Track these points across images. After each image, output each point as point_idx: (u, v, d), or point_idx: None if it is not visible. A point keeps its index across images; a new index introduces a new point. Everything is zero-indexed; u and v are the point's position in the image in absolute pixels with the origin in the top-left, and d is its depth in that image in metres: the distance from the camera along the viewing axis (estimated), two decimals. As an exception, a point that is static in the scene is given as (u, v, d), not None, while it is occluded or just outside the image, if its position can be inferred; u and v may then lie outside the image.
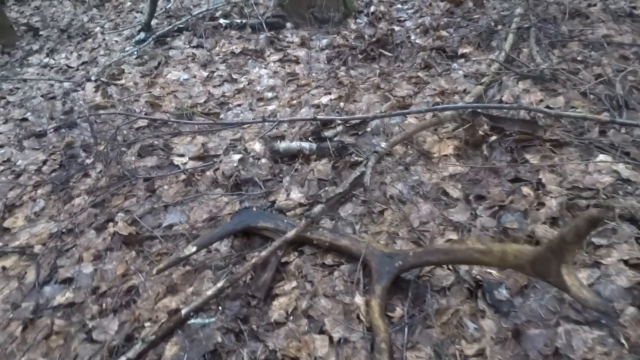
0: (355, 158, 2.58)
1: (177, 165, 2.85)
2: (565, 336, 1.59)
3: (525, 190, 2.16)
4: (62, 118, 3.71)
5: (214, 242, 2.19)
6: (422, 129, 2.56)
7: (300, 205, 2.37)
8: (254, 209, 2.30)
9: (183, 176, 2.74)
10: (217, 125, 3.13)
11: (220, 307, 1.94)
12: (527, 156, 2.37)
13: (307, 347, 1.71)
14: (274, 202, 2.43)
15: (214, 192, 2.58)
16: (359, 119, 2.84)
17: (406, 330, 1.72)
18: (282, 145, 2.72)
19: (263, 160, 2.76)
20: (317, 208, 2.14)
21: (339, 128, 2.84)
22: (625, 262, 1.73)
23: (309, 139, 2.76)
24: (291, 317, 1.83)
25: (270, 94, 3.50)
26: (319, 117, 2.83)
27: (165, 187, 2.69)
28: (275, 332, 1.80)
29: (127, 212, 2.55)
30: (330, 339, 1.73)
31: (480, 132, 2.51)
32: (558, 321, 1.65)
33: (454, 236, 2.05)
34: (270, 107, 3.34)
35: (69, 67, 4.85)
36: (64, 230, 2.51)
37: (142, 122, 3.33)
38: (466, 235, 2.06)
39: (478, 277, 1.84)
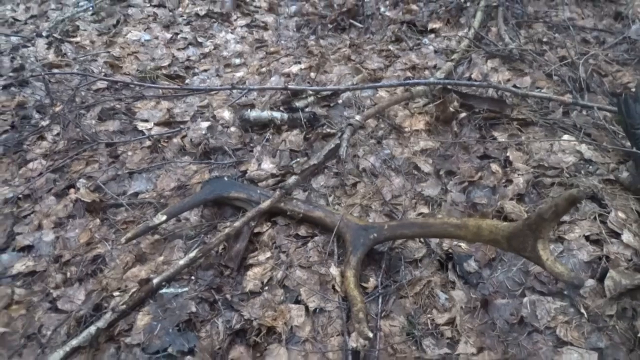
0: (328, 130, 2.57)
1: (142, 131, 2.74)
2: (530, 306, 1.68)
3: (494, 167, 2.23)
4: (12, 75, 3.46)
5: (184, 211, 2.15)
6: (395, 102, 2.57)
7: (273, 175, 2.34)
8: (225, 178, 2.26)
9: (148, 142, 2.64)
10: (183, 91, 3.01)
11: (192, 277, 1.91)
12: (495, 134, 2.44)
13: (283, 316, 1.72)
14: (245, 172, 2.40)
15: (182, 160, 2.51)
16: (330, 91, 2.82)
17: (380, 300, 1.76)
18: (253, 114, 2.67)
19: (232, 129, 2.70)
20: (291, 179, 2.12)
21: (310, 99, 2.81)
22: (587, 237, 1.84)
23: (280, 108, 2.72)
24: (266, 287, 1.83)
25: (238, 60, 3.40)
26: (289, 86, 2.78)
27: (130, 153, 2.58)
28: (250, 301, 1.80)
29: (89, 178, 2.44)
30: (306, 308, 1.75)
31: (451, 109, 2.54)
32: (524, 292, 1.74)
33: (425, 210, 2.10)
34: (238, 74, 3.25)
35: (15, 20, 4.50)
36: (20, 195, 2.38)
37: (101, 84, 3.17)
38: (437, 209, 2.11)
39: (449, 250, 1.90)
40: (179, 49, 3.60)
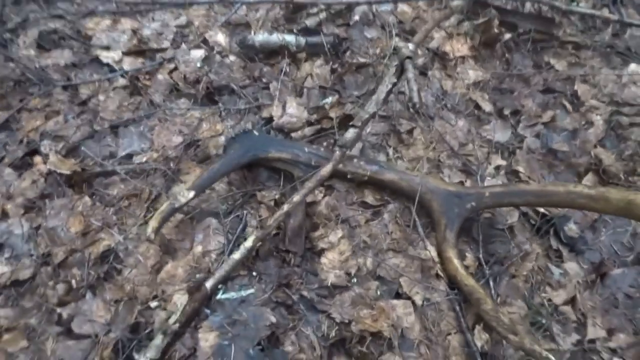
0: (359, 58, 2.09)
1: (107, 64, 2.05)
2: (651, 275, 1.52)
3: (566, 104, 1.95)
4: None
5: (215, 182, 1.65)
6: (438, 22, 2.12)
7: (309, 123, 1.88)
8: (255, 132, 1.75)
9: (122, 81, 1.99)
10: (147, 5, 2.28)
11: (253, 273, 1.50)
12: (551, 60, 2.14)
13: (387, 316, 1.40)
14: (269, 119, 1.89)
15: (179, 106, 1.92)
16: (344, 4, 2.28)
17: (491, 283, 1.50)
18: (259, 38, 2.09)
19: (232, 58, 2.11)
20: (349, 133, 1.67)
21: (322, 15, 2.26)
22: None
23: (294, 31, 2.15)
24: (355, 280, 1.48)
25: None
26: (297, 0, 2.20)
27: (101, 97, 1.93)
28: (336, 298, 1.45)
29: (55, 138, 1.79)
30: (413, 303, 1.44)
31: (495, 30, 2.17)
32: (637, 258, 1.57)
33: (501, 162, 1.81)
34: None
35: None
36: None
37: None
38: (511, 159, 1.83)
39: (545, 212, 1.66)
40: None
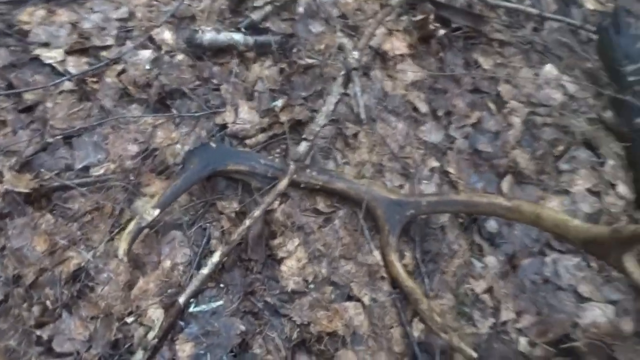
0: (307, 60, 2.17)
1: (49, 65, 2.00)
2: (552, 265, 1.86)
3: (490, 105, 2.18)
4: None
5: (178, 197, 1.75)
6: (380, 22, 2.23)
7: (262, 130, 1.99)
8: (212, 144, 1.84)
9: (69, 84, 1.96)
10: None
11: (220, 285, 1.66)
12: (479, 59, 2.34)
13: (340, 316, 1.64)
14: (224, 126, 1.98)
15: (133, 114, 1.95)
16: (288, -5, 2.32)
17: (426, 280, 1.77)
18: (207, 36, 2.09)
19: (179, 57, 2.12)
20: (302, 146, 1.82)
21: (268, 8, 2.29)
22: (588, 189, 2.00)
23: (242, 29, 2.17)
24: (312, 286, 1.69)
25: None
26: (240, -9, 2.21)
27: (49, 104, 1.91)
28: (296, 302, 1.66)
29: (7, 154, 1.78)
30: (362, 304, 1.68)
31: (431, 26, 2.32)
32: (542, 249, 1.90)
33: (435, 163, 2.03)
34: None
35: None
36: None
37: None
38: (445, 160, 2.06)
39: (471, 211, 1.93)
40: None
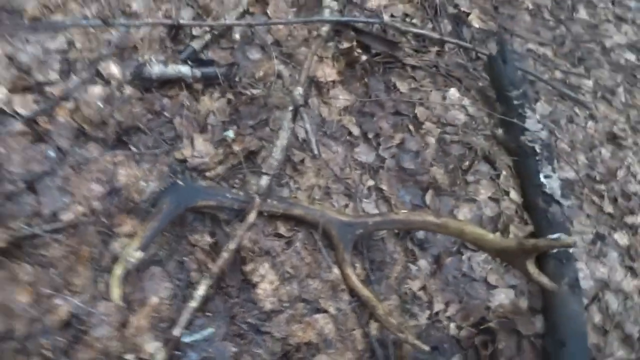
0: (251, 90, 2.35)
1: (-6, 106, 1.93)
2: (467, 261, 2.32)
3: (410, 126, 2.56)
4: None
5: (156, 236, 1.87)
6: (314, 54, 2.46)
7: (219, 162, 2.15)
8: (180, 182, 1.97)
9: (19, 125, 1.93)
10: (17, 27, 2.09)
11: (207, 313, 1.85)
12: (397, 83, 2.69)
13: (312, 327, 1.94)
14: (184, 161, 2.10)
15: (90, 152, 1.98)
16: (224, 25, 2.44)
17: (376, 286, 2.13)
18: (156, 70, 2.16)
19: (128, 91, 2.16)
20: (264, 180, 2.03)
21: (207, 37, 2.40)
22: (489, 197, 2.49)
23: (188, 62, 2.26)
24: (286, 304, 1.95)
25: (60, -48, 2.41)
26: (182, 22, 2.28)
27: (1, 149, 1.87)
28: (274, 320, 1.92)
29: (-32, 206, 1.75)
30: (329, 314, 1.99)
31: (355, 53, 2.62)
32: (459, 249, 2.35)
33: (371, 182, 2.37)
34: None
35: None
36: None
37: None
38: (376, 176, 2.40)
39: (403, 222, 2.31)
40: None
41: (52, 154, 1.94)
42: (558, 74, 3.36)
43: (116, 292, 1.69)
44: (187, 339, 1.78)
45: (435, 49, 2.93)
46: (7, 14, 2.12)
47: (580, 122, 3.17)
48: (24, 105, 1.97)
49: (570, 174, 2.77)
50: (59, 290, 1.73)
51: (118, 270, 1.74)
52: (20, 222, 1.78)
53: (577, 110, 3.21)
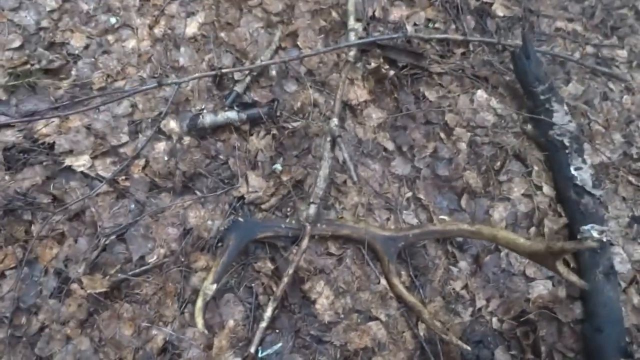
0: (292, 124, 2.61)
1: (82, 173, 2.31)
2: (505, 257, 2.52)
3: (441, 134, 2.74)
4: None
5: (227, 269, 2.21)
6: (345, 81, 2.67)
7: (272, 195, 2.44)
8: (240, 219, 2.30)
9: (104, 187, 2.30)
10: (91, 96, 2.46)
11: (276, 330, 2.19)
12: (426, 92, 2.86)
13: (367, 333, 2.23)
14: (242, 197, 2.42)
15: (163, 201, 2.34)
16: (260, 67, 2.69)
17: (421, 291, 2.38)
18: (208, 120, 2.47)
19: (187, 141, 2.49)
20: (312, 209, 2.32)
21: (247, 79, 2.67)
22: (523, 194, 2.65)
23: (235, 107, 2.55)
24: (342, 315, 2.25)
25: (113, 20, 2.74)
26: (224, 70, 2.57)
27: (93, 209, 2.26)
28: (333, 330, 2.22)
29: (78, 262, 2.15)
30: (381, 321, 2.27)
31: (383, 70, 2.80)
32: (497, 247, 2.55)
33: (409, 193, 2.60)
34: (129, 44, 2.69)
35: None
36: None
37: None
38: (413, 186, 2.62)
39: (442, 227, 2.53)
40: (12, 10, 2.64)
41: (133, 206, 2.32)
42: (590, 49, 3.38)
43: (200, 321, 2.05)
44: (261, 354, 2.12)
45: (460, 50, 3.05)
46: (79, 89, 2.49)
47: (615, 97, 3.21)
48: (104, 167, 2.35)
49: (603, 158, 2.85)
50: (154, 322, 2.12)
51: (199, 302, 2.10)
52: (116, 269, 2.17)
53: (611, 85, 3.25)
